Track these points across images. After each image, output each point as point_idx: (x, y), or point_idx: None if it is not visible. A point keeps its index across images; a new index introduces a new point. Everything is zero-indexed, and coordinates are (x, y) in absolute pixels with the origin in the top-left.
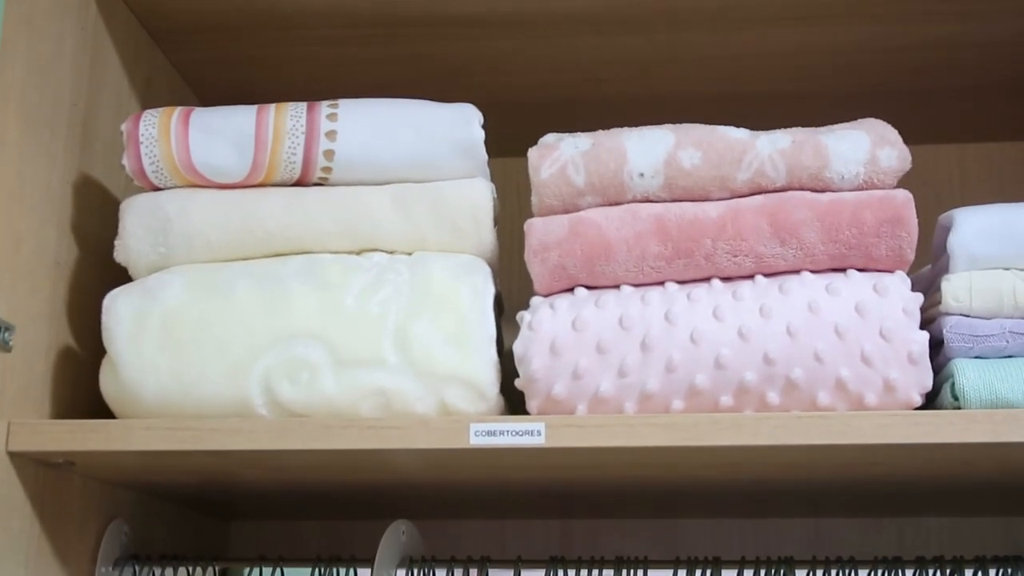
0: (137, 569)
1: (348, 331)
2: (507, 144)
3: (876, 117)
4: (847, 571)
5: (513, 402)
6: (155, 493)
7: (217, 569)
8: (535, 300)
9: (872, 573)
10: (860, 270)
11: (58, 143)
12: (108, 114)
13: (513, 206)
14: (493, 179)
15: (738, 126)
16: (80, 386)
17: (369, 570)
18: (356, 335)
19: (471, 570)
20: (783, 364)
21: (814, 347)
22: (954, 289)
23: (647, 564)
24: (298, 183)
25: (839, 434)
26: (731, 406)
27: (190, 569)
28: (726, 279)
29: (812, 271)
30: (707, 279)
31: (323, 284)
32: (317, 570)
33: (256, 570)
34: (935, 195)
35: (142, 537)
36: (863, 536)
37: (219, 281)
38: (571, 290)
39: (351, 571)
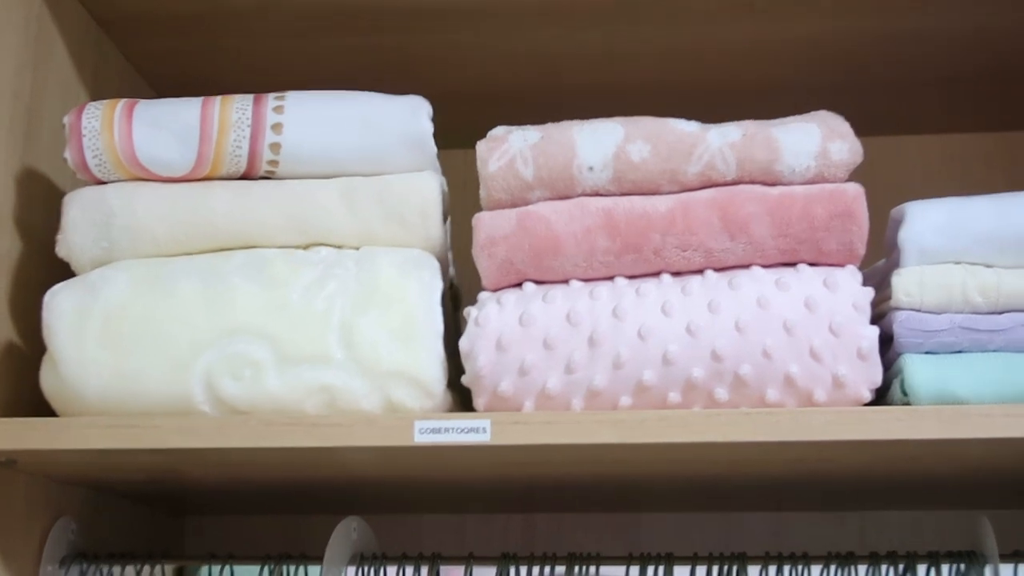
0: (84, 568)
1: (292, 327)
2: (466, 136)
3: (835, 110)
4: (800, 567)
5: (471, 399)
6: (105, 490)
7: (171, 568)
8: (482, 295)
9: (825, 569)
10: (811, 264)
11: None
12: (55, 106)
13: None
14: (456, 172)
15: (698, 119)
16: (24, 383)
17: (319, 568)
18: (301, 331)
19: (423, 567)
20: (731, 360)
21: (763, 343)
22: (905, 284)
23: (600, 560)
24: (244, 176)
25: (788, 431)
26: (679, 403)
27: (139, 567)
28: (676, 274)
29: (762, 266)
30: (656, 274)
31: (267, 280)
32: (267, 568)
33: (213, 568)
34: (897, 188)
35: (92, 535)
36: (825, 530)
37: (162, 277)
38: (519, 285)
39: (303, 569)
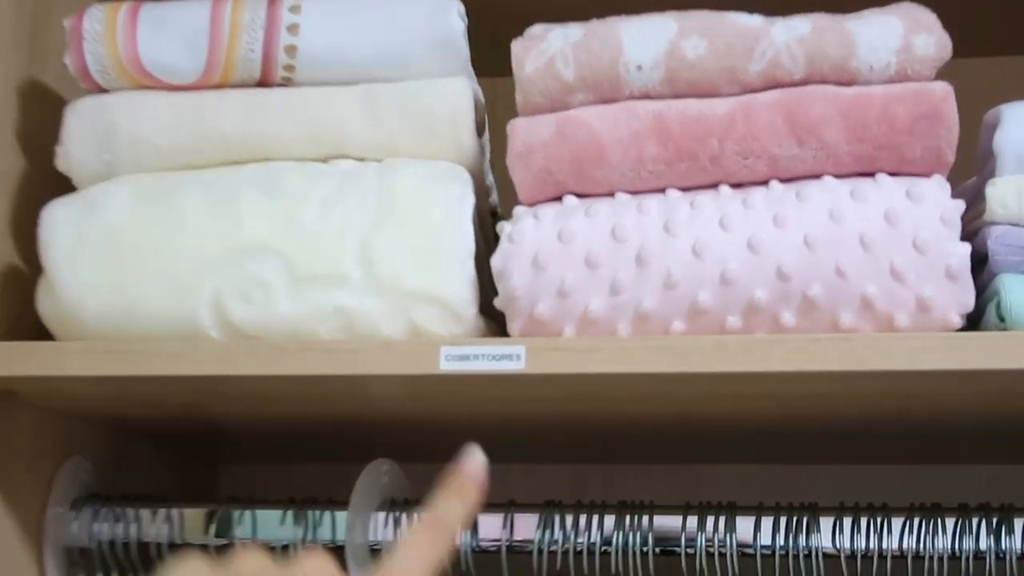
0: (97, 510)
1: (306, 245)
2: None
3: None
4: (879, 518)
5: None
6: (125, 430)
7: (200, 514)
8: (517, 210)
9: (908, 521)
10: (891, 174)
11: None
12: (62, 12)
13: None
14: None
15: (761, 12)
16: (27, 307)
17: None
18: (315, 249)
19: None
20: (799, 280)
21: (836, 260)
22: (1000, 195)
23: (652, 509)
24: (259, 84)
25: (864, 359)
26: (739, 328)
27: (156, 511)
28: (736, 185)
29: (835, 175)
30: (714, 185)
31: (280, 193)
32: (291, 513)
33: (247, 513)
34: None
35: (111, 479)
36: (899, 485)
37: (166, 191)
38: (559, 199)
39: (330, 514)
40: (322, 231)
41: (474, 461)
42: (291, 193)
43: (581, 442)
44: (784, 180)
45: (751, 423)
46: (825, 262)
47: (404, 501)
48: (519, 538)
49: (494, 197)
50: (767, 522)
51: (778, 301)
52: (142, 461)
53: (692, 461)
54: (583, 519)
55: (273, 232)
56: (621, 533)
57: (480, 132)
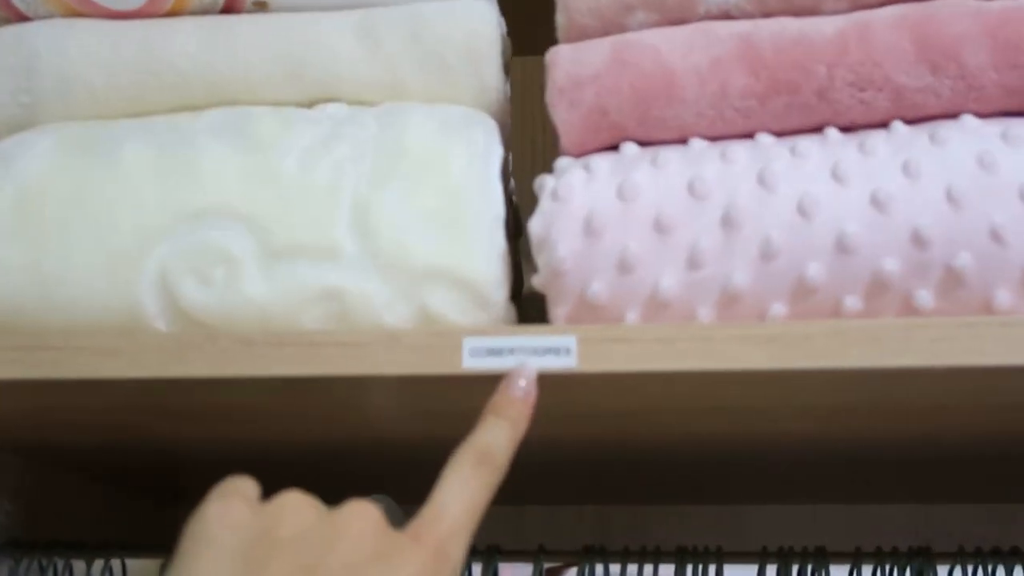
0: (19, 558)
1: (284, 207)
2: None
3: None
4: (1009, 564)
5: (531, 316)
6: (56, 461)
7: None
8: (562, 161)
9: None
10: None
11: None
12: None
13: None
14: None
15: None
16: None
17: None
18: (296, 213)
19: (475, 564)
20: (941, 246)
21: (990, 221)
22: None
23: (721, 556)
24: (224, 11)
25: None
26: (860, 310)
27: (91, 560)
28: (846, 128)
29: (977, 113)
30: (819, 127)
31: (251, 142)
32: None
33: None
34: None
35: (38, 521)
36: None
37: (102, 142)
38: (615, 147)
39: None
40: (305, 190)
41: (523, 373)
42: (264, 143)
43: (604, 476)
44: (910, 121)
45: (833, 446)
46: (975, 223)
47: None
48: None
49: (510, 156)
50: (867, 571)
51: (913, 275)
52: (75, 499)
53: (731, 501)
54: (633, 570)
55: (239, 192)
56: None
57: (505, 73)
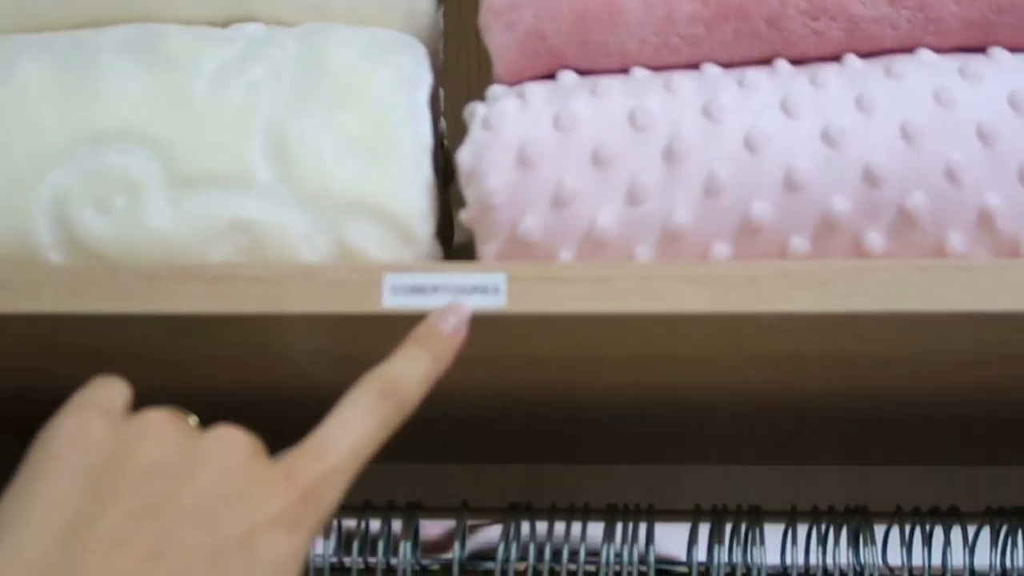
0: None
1: (193, 130)
2: None
3: None
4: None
5: (461, 254)
6: None
7: None
8: (495, 89)
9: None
10: (1010, 49)
11: None
12: None
13: None
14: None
15: None
16: None
17: None
18: (206, 137)
19: (394, 520)
20: (894, 185)
21: (946, 159)
22: None
23: (652, 514)
24: None
25: (989, 296)
26: (808, 251)
27: None
28: (798, 61)
29: (934, 48)
30: (768, 59)
31: (159, 60)
32: None
33: None
34: None
35: None
36: (969, 487)
37: None
38: (552, 76)
39: None
40: (216, 113)
41: (455, 310)
42: (173, 62)
43: (536, 432)
44: (864, 54)
45: (772, 401)
46: (930, 161)
47: None
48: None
49: (442, 94)
50: (802, 530)
51: (863, 214)
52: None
53: (668, 460)
54: (560, 528)
55: (145, 113)
56: (612, 546)
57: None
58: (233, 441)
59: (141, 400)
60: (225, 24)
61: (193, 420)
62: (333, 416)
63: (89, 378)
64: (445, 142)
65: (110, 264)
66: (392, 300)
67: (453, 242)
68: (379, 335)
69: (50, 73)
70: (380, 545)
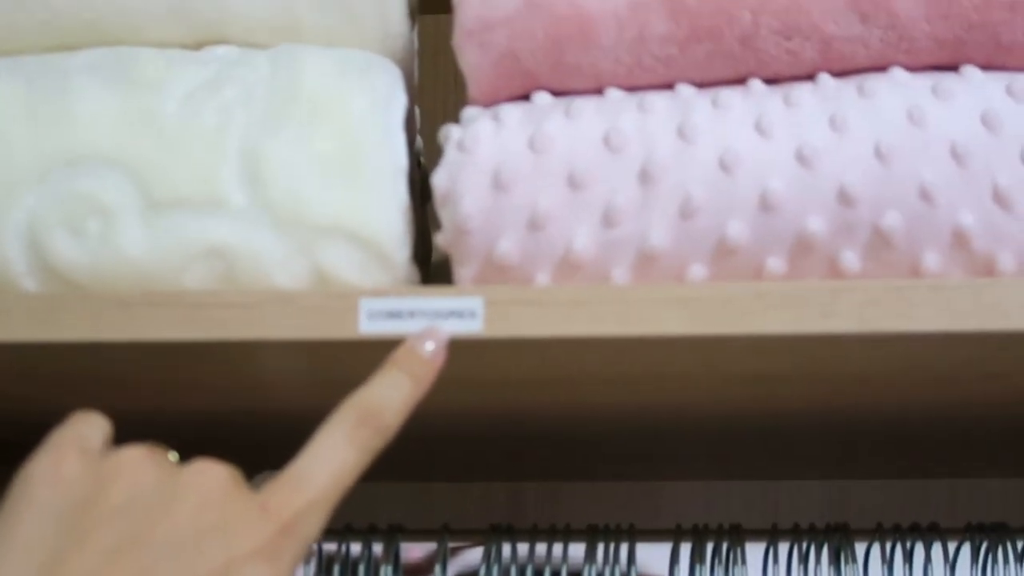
0: None
1: (166, 154)
2: None
3: None
4: (928, 540)
5: (438, 279)
6: None
7: None
8: (469, 111)
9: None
10: (982, 68)
11: None
12: None
13: None
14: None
15: None
16: None
17: None
18: (179, 160)
19: (374, 544)
20: (869, 205)
21: (919, 178)
22: None
23: (633, 534)
24: None
25: (964, 315)
26: (784, 272)
27: None
28: (771, 80)
29: (906, 67)
30: (741, 79)
31: (130, 83)
32: None
33: None
34: None
35: None
36: (948, 501)
37: None
38: (526, 96)
39: None
40: (189, 136)
41: (433, 334)
42: (145, 84)
43: (516, 451)
44: (837, 74)
45: (750, 419)
46: (904, 181)
47: None
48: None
49: (417, 119)
50: (783, 548)
51: (839, 234)
52: None
53: (649, 477)
54: (541, 549)
55: (117, 137)
56: (594, 566)
57: (412, 22)
58: (211, 475)
59: (117, 425)
60: (197, 46)
61: (173, 456)
62: (311, 446)
63: (63, 404)
64: (422, 160)
65: (83, 291)
66: (369, 325)
67: (431, 261)
68: (356, 360)
69: (20, 95)
70: (361, 569)
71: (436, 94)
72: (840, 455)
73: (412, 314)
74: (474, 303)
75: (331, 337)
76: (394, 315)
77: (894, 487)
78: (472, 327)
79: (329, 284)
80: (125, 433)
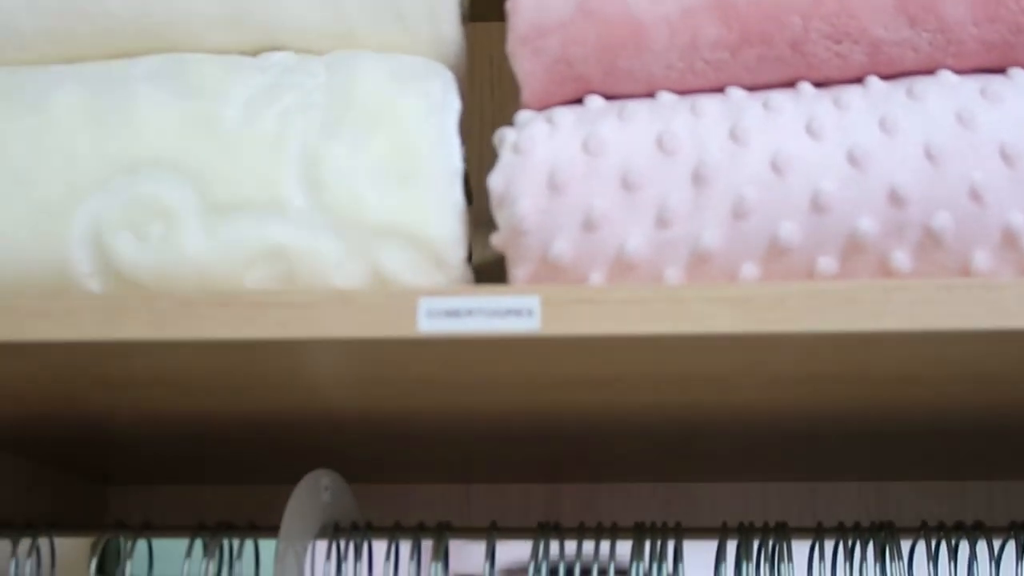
0: None
1: (227, 158)
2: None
3: None
4: (973, 538)
5: (487, 280)
6: None
7: (86, 544)
8: (523, 114)
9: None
10: None
11: None
12: None
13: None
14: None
15: None
16: None
17: (274, 542)
18: (240, 165)
19: (424, 540)
20: (920, 205)
21: (970, 179)
22: None
23: (680, 532)
24: None
25: (1014, 314)
26: (835, 272)
27: (16, 539)
28: (820, 83)
29: (955, 69)
30: (791, 82)
31: (191, 89)
32: (201, 541)
33: (141, 543)
34: None
35: None
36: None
37: (27, 88)
38: (579, 100)
39: (253, 544)
40: (249, 141)
41: None
42: (205, 91)
43: (557, 451)
44: (886, 76)
45: (797, 418)
46: (954, 181)
47: (352, 527)
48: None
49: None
50: (829, 546)
51: (889, 234)
52: (3, 476)
53: (685, 478)
54: (588, 546)
55: (178, 142)
56: (641, 564)
57: (463, 22)
58: None
59: (177, 424)
60: (254, 53)
61: None
62: None
63: (122, 405)
64: (464, 165)
65: (147, 291)
66: (428, 324)
67: (472, 262)
68: (414, 359)
69: (84, 103)
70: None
71: (473, 102)
72: (880, 455)
73: (470, 312)
74: (531, 302)
75: (390, 336)
76: (452, 314)
77: (931, 488)
78: (529, 326)
79: (386, 285)
80: (185, 432)
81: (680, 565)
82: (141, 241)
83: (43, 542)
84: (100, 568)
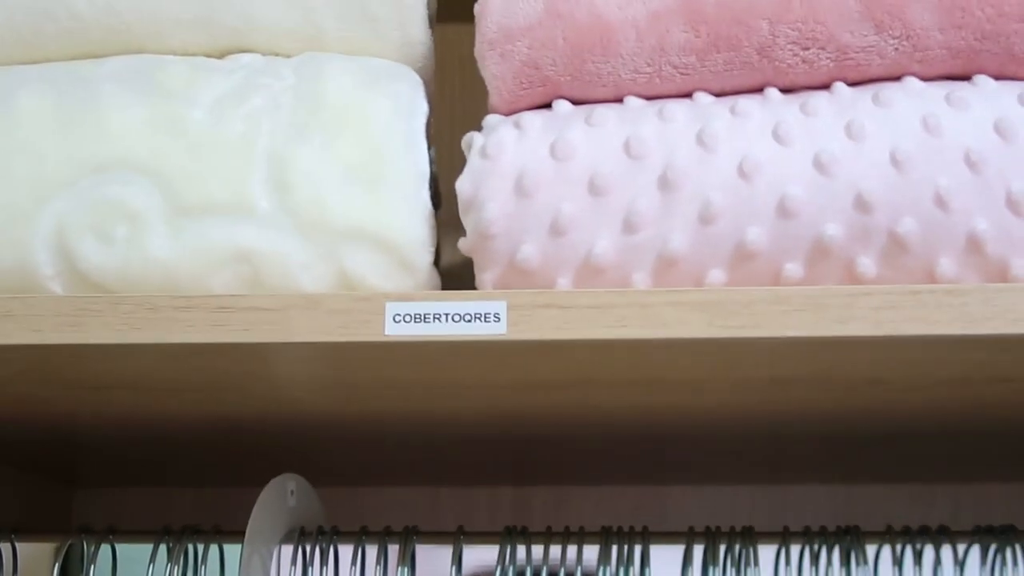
0: None
1: (194, 161)
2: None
3: None
4: (937, 542)
5: (456, 282)
6: None
7: (50, 548)
8: (491, 119)
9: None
10: (995, 77)
11: None
12: None
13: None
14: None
15: None
16: None
17: (239, 547)
18: (206, 167)
19: (390, 545)
20: (885, 211)
21: (935, 185)
22: None
23: (647, 536)
24: None
25: (978, 320)
26: (801, 277)
27: None
28: (788, 89)
29: (921, 76)
30: (759, 88)
31: (158, 91)
32: (163, 546)
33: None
34: None
35: None
36: (952, 508)
37: None
38: (547, 105)
39: (218, 549)
40: (216, 143)
41: None
42: (173, 92)
43: (525, 454)
44: (852, 82)
45: (763, 423)
46: (920, 187)
47: (318, 531)
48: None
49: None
50: (795, 550)
51: (855, 240)
52: None
53: (654, 481)
54: (556, 550)
55: (145, 143)
56: (608, 568)
57: (430, 25)
58: None
59: (143, 428)
60: (221, 55)
61: None
62: None
63: (87, 408)
64: (433, 167)
65: (112, 294)
66: (394, 328)
67: (439, 265)
68: (381, 363)
69: (49, 104)
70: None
71: (442, 105)
72: (847, 459)
73: (437, 317)
74: (498, 306)
75: (357, 339)
76: (419, 318)
77: (898, 491)
78: (496, 330)
79: (353, 288)
80: (151, 435)
81: (647, 569)
82: (106, 244)
83: (4, 547)
84: (63, 573)
